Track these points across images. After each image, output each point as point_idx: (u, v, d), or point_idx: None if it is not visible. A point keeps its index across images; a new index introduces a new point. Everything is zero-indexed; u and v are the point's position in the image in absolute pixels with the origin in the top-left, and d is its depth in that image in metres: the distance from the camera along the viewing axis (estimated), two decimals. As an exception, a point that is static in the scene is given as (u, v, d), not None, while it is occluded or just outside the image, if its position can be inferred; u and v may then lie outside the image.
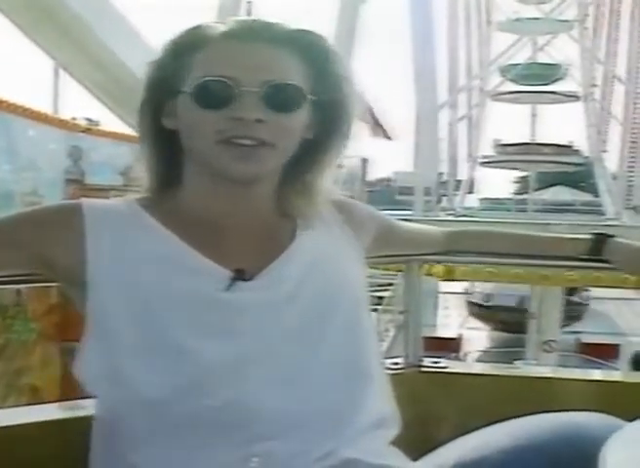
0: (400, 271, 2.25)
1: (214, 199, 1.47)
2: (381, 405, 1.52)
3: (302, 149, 1.48)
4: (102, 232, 1.41)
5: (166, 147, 1.48)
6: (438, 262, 2.34)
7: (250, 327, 1.39)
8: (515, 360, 15.87)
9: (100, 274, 1.38)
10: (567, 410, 1.55)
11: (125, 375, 1.36)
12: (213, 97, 1.38)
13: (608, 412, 1.43)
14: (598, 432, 1.33)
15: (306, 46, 1.46)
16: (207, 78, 1.38)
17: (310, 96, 1.44)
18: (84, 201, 1.45)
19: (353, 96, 1.52)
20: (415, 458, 1.53)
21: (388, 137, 29.17)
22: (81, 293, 1.39)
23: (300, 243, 1.51)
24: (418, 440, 1.55)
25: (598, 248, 1.85)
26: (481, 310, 25.50)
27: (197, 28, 1.45)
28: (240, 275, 1.41)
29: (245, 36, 1.42)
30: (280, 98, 1.40)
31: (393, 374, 2.08)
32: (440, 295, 25.63)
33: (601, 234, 1.87)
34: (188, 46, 1.43)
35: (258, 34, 1.42)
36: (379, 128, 27.83)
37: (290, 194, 1.54)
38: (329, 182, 1.56)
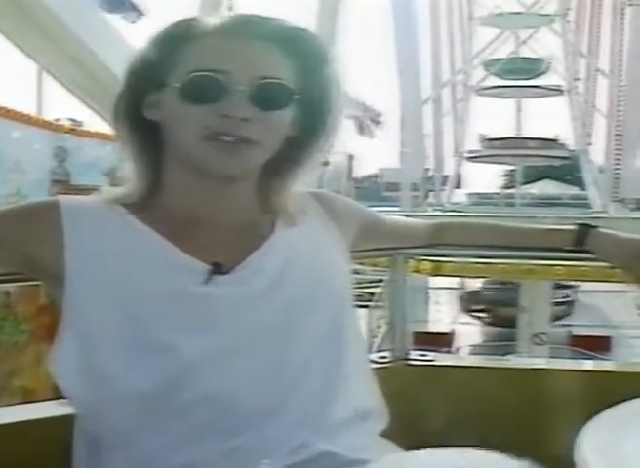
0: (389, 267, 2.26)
1: (194, 194, 1.47)
2: (364, 398, 1.53)
3: (284, 146, 1.49)
4: (80, 228, 1.41)
5: (145, 141, 1.48)
6: (423, 256, 2.33)
7: (228, 320, 1.40)
8: (508, 353, 15.90)
9: (77, 270, 1.38)
10: (555, 401, 1.55)
11: (103, 372, 1.37)
12: (202, 92, 1.39)
13: (599, 402, 1.42)
14: None
15: (298, 43, 1.46)
16: (197, 73, 1.39)
17: (297, 95, 1.45)
18: (61, 197, 1.46)
19: (339, 94, 1.52)
20: (402, 450, 1.53)
21: (373, 136, 29.25)
22: (61, 290, 1.39)
23: (280, 236, 1.52)
24: (405, 433, 1.55)
25: (581, 238, 1.85)
26: (472, 305, 25.48)
27: (188, 21, 1.46)
28: (218, 269, 1.41)
29: (236, 32, 1.43)
30: (268, 97, 1.41)
31: (380, 368, 2.08)
32: (431, 291, 25.60)
33: (584, 225, 1.88)
34: (178, 38, 1.43)
35: (249, 30, 1.43)
36: (367, 126, 27.89)
37: (269, 191, 1.55)
38: (307, 178, 1.58)
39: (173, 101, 1.42)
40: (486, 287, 24.79)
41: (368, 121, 28.72)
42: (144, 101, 1.46)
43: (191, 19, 1.46)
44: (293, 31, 1.47)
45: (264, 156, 1.46)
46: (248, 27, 1.44)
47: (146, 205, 1.47)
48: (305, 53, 1.48)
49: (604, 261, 1.89)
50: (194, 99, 1.39)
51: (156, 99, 1.45)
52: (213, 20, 1.45)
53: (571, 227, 1.88)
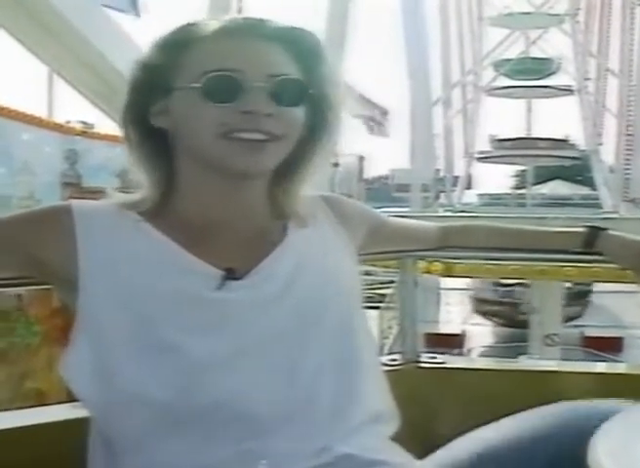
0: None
1: (208, 197, 1.47)
2: (377, 400, 1.53)
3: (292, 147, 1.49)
4: (93, 233, 1.41)
5: (155, 149, 1.48)
6: (432, 258, 2.33)
7: (241, 325, 1.40)
8: (520, 354, 15.88)
9: (90, 274, 1.38)
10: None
11: (116, 376, 1.37)
12: (220, 91, 1.39)
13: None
14: (602, 419, 1.33)
15: (298, 43, 1.47)
16: (213, 73, 1.39)
17: (311, 90, 1.46)
18: (73, 202, 1.46)
19: (340, 94, 1.53)
20: (414, 453, 1.53)
21: (385, 135, 29.24)
22: (73, 295, 1.39)
23: (291, 240, 1.52)
24: (417, 436, 1.55)
25: (591, 241, 1.85)
26: (484, 306, 25.44)
27: (191, 25, 1.46)
28: (231, 274, 1.41)
29: (242, 32, 1.44)
30: (286, 93, 1.41)
31: (391, 371, 2.08)
32: (442, 292, 25.56)
33: (593, 227, 1.88)
34: (182, 43, 1.44)
35: (253, 30, 1.44)
36: (378, 125, 27.85)
37: (279, 194, 1.55)
38: (315, 179, 1.58)
39: (186, 104, 1.42)
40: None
41: (379, 120, 28.73)
42: (150, 110, 1.46)
43: (192, 24, 1.46)
44: (291, 31, 1.48)
45: (285, 152, 1.46)
46: (250, 28, 1.45)
47: (159, 211, 1.47)
48: (305, 51, 1.49)
49: (613, 263, 1.89)
50: (213, 99, 1.39)
51: (164, 106, 1.45)
52: (214, 23, 1.45)
53: (580, 229, 1.88)
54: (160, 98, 1.45)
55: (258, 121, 1.39)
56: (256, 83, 1.39)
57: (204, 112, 1.40)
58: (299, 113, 1.45)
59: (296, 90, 1.44)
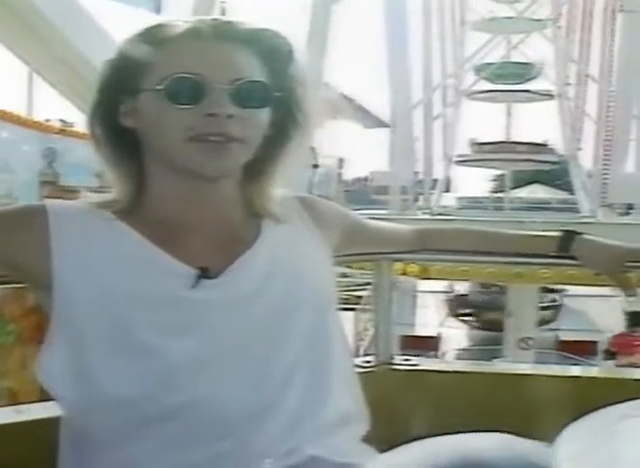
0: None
1: (179, 198, 1.48)
2: (347, 402, 1.54)
3: (261, 147, 1.50)
4: (67, 233, 1.41)
5: (124, 149, 1.48)
6: (408, 260, 2.33)
7: (215, 324, 1.41)
8: (494, 358, 15.94)
9: (64, 275, 1.38)
10: (540, 407, 1.56)
11: (92, 375, 1.37)
12: (184, 93, 1.39)
13: (584, 408, 1.41)
14: (496, 457, 1.30)
15: (266, 45, 1.48)
16: (178, 74, 1.39)
17: (277, 93, 1.47)
18: (47, 202, 1.46)
19: (310, 95, 1.55)
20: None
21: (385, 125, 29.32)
22: (48, 295, 1.39)
23: (265, 240, 1.53)
24: (389, 438, 1.55)
25: (566, 245, 1.87)
26: (459, 308, 25.52)
27: (159, 26, 1.47)
28: (205, 273, 1.42)
29: (209, 35, 1.44)
30: (248, 95, 1.42)
31: (364, 372, 2.08)
32: (419, 294, 25.61)
33: (569, 231, 1.89)
34: (150, 43, 1.44)
35: (220, 33, 1.45)
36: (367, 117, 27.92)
37: (252, 193, 1.56)
38: (291, 180, 1.59)
39: (152, 105, 1.43)
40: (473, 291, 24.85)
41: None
42: (119, 110, 1.47)
43: (161, 25, 1.47)
44: (260, 32, 1.49)
45: (247, 154, 1.47)
46: (217, 30, 1.45)
47: (133, 210, 1.48)
48: (274, 53, 1.50)
49: (587, 267, 1.90)
50: (177, 101, 1.39)
51: (131, 106, 1.46)
52: (183, 24, 1.46)
53: (555, 233, 1.90)
54: (129, 98, 1.45)
55: (219, 123, 1.39)
56: (217, 85, 1.39)
57: (169, 115, 1.41)
58: (262, 115, 1.46)
59: (259, 92, 1.45)
